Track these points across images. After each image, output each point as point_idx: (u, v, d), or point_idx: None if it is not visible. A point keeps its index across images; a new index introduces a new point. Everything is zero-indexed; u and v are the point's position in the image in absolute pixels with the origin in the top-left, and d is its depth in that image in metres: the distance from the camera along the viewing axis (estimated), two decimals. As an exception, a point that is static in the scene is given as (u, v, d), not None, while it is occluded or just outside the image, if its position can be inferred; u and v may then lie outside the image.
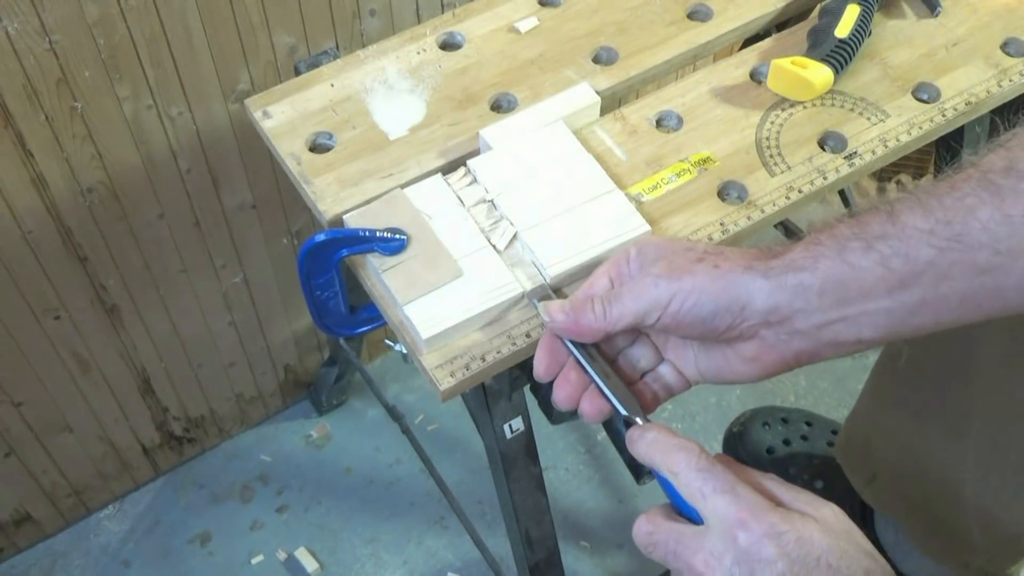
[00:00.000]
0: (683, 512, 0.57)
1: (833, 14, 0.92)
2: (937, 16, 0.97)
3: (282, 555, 1.39)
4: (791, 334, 0.61)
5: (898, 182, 1.70)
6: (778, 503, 0.55)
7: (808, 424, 1.35)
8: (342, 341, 1.33)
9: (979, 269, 0.57)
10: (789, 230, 1.40)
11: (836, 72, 0.89)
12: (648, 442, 0.59)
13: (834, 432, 1.32)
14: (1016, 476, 1.01)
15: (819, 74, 0.88)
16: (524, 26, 0.95)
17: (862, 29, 0.91)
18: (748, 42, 1.01)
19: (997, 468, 1.01)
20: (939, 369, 1.01)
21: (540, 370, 0.66)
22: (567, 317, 0.64)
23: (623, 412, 0.63)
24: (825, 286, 0.59)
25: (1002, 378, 0.96)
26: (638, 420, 0.62)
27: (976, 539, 1.07)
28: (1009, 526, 1.05)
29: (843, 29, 0.91)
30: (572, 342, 0.65)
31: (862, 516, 1.25)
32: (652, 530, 0.57)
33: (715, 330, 0.61)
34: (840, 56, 0.90)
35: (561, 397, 0.65)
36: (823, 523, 0.54)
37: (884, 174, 1.70)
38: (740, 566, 0.53)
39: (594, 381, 0.65)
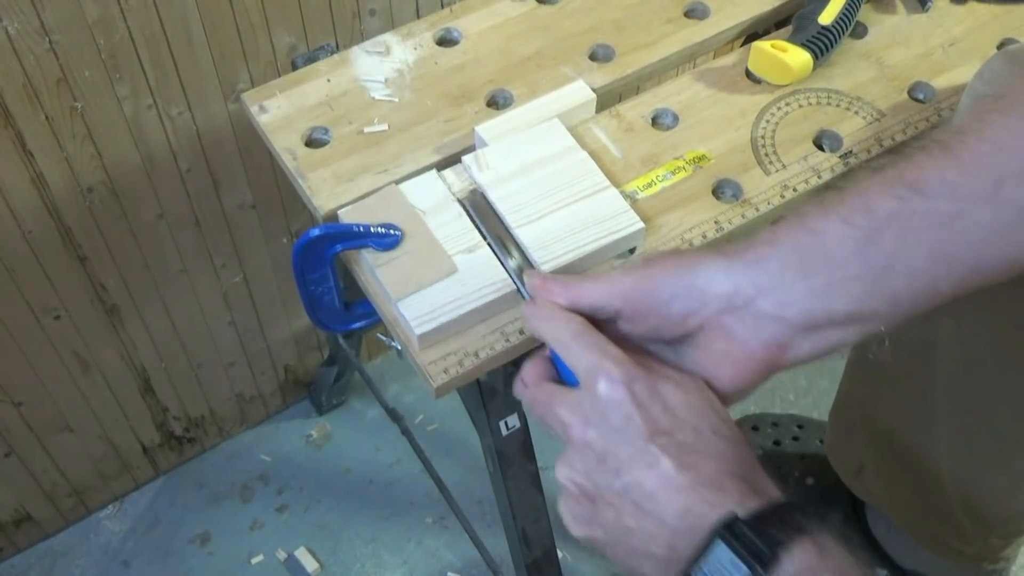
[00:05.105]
0: (568, 382, 0.60)
1: (820, 1, 0.93)
2: (927, 11, 0.97)
3: (282, 555, 1.40)
4: (758, 319, 0.57)
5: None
6: (647, 366, 0.58)
7: (799, 427, 1.36)
8: (341, 340, 1.33)
9: (943, 219, 0.56)
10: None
11: (816, 58, 0.90)
12: (539, 315, 0.61)
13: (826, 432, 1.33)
14: (987, 461, 1.02)
15: (798, 58, 0.89)
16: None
17: (847, 18, 0.92)
18: (749, 40, 1.01)
19: (968, 452, 1.02)
20: (904, 356, 1.01)
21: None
22: (542, 279, 0.64)
23: (525, 294, 0.65)
24: (787, 256, 0.57)
25: (960, 381, 0.97)
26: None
27: (965, 525, 1.07)
28: (991, 510, 1.06)
29: (827, 16, 0.91)
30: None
31: (853, 510, 1.26)
32: (534, 392, 0.60)
33: (675, 319, 0.59)
34: (821, 42, 0.90)
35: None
36: (682, 382, 0.57)
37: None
38: (594, 409, 0.56)
39: (500, 261, 0.71)
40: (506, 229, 0.79)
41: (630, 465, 0.54)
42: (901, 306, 0.58)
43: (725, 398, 0.60)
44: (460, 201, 0.81)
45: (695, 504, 0.53)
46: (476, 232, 0.79)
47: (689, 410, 0.56)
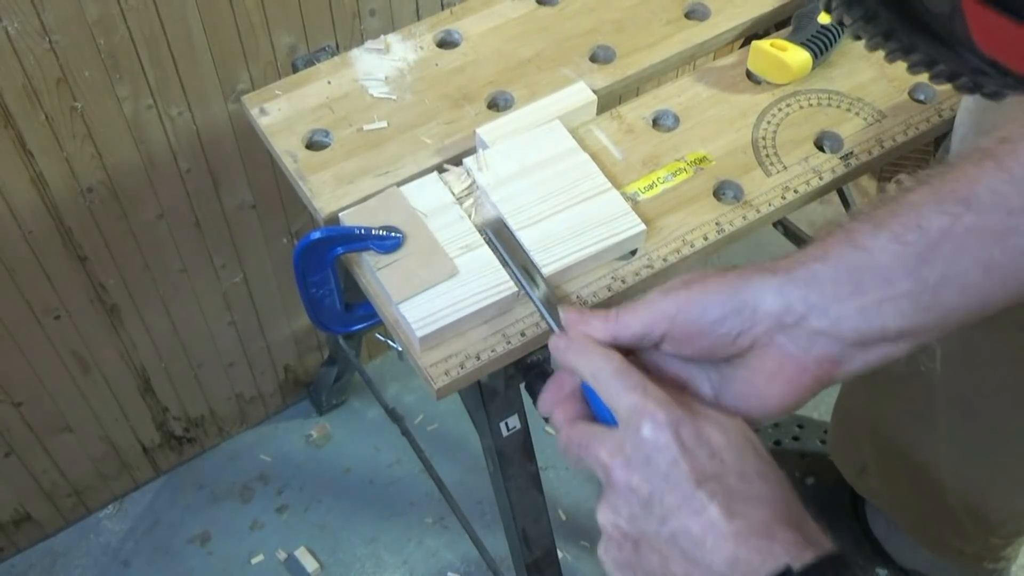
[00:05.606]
0: (603, 419, 0.59)
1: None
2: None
3: (282, 555, 1.40)
4: (810, 336, 0.57)
5: (898, 182, 1.69)
6: (689, 407, 0.57)
7: (800, 427, 1.36)
8: (341, 340, 1.33)
9: (996, 234, 0.55)
10: (788, 230, 1.40)
11: (815, 57, 0.90)
12: (572, 349, 0.60)
13: (826, 431, 1.33)
14: (986, 462, 1.02)
15: (797, 57, 0.89)
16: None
17: None
18: (749, 41, 1.01)
19: (969, 452, 1.02)
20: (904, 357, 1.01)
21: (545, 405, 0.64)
22: (579, 314, 0.62)
23: (553, 325, 0.63)
24: (838, 274, 0.56)
25: (954, 377, 0.97)
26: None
27: (966, 525, 1.07)
28: (991, 511, 1.06)
29: (827, 15, 0.91)
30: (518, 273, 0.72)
31: (853, 509, 1.26)
32: (569, 432, 0.59)
33: (725, 339, 0.58)
34: (820, 41, 0.91)
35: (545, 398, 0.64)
36: (724, 424, 0.56)
37: (884, 174, 1.70)
38: (637, 452, 0.55)
39: (527, 293, 0.70)
40: (531, 260, 0.77)
41: (677, 511, 0.53)
42: (953, 320, 0.57)
43: (776, 414, 0.59)
44: (482, 231, 0.79)
45: (745, 553, 0.51)
46: (477, 234, 0.79)
47: (734, 454, 0.55)
